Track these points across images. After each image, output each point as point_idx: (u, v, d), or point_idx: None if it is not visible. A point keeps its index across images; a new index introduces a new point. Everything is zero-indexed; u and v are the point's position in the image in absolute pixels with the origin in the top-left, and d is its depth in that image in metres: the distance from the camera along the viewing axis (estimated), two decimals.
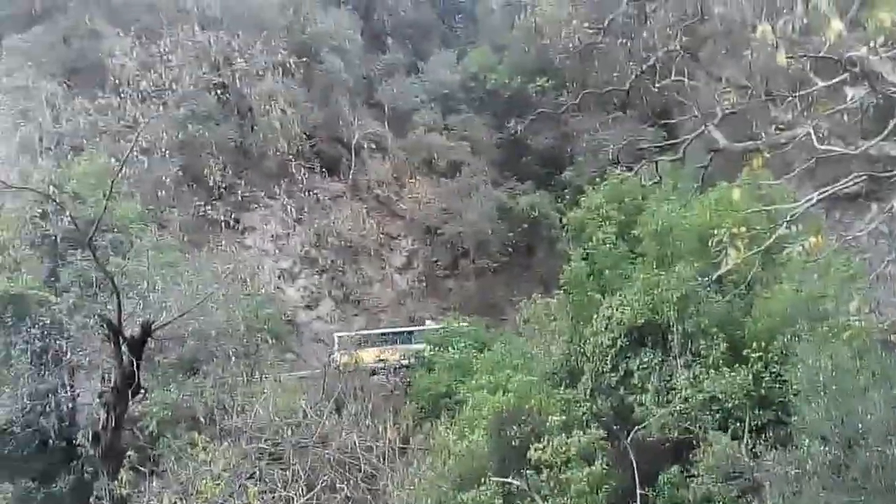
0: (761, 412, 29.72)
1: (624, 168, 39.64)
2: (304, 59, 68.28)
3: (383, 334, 58.68)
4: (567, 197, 62.14)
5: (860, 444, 23.52)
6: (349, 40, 74.05)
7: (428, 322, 60.39)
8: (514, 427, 31.46)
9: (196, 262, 45.17)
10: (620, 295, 34.68)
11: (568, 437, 30.05)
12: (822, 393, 24.74)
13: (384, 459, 31.09)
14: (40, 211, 41.14)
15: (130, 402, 28.82)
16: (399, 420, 36.67)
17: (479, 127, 74.81)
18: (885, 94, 20.74)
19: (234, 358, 39.08)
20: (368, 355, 51.84)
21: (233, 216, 64.11)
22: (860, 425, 23.62)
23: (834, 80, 20.04)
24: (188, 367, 40.04)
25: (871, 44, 17.78)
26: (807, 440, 24.57)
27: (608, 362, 33.57)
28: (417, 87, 76.39)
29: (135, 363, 26.03)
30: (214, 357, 39.43)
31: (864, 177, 21.44)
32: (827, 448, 23.94)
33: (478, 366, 42.58)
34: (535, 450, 29.77)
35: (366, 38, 78.22)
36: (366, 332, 59.24)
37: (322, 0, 77.93)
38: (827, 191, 21.69)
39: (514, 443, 31.17)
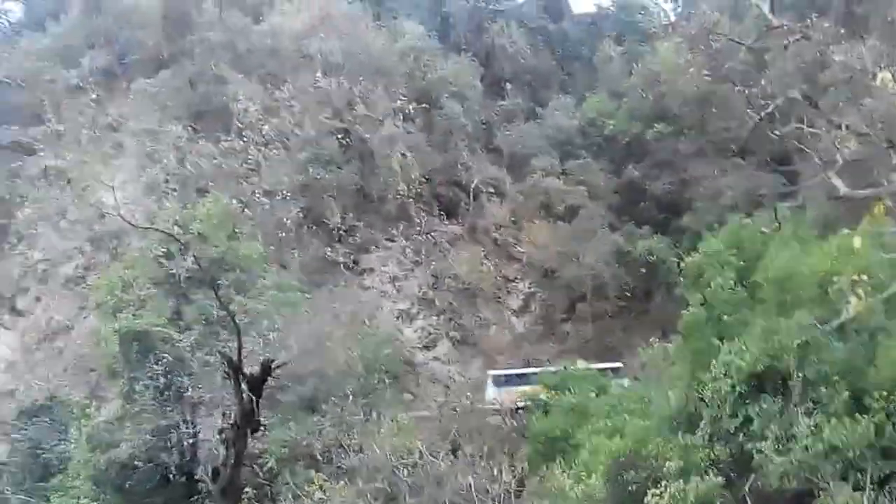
0: (884, 463, 28.99)
1: (743, 214, 39.45)
2: (424, 105, 70.30)
3: (535, 373, 58.15)
4: (685, 242, 61.46)
5: None
6: (469, 87, 75.57)
7: (579, 362, 59.61)
8: (632, 472, 31.30)
9: (316, 303, 46.11)
10: (739, 341, 34.31)
11: (686, 484, 29.68)
12: None
13: (500, 502, 31.33)
14: (165, 250, 42.16)
15: (250, 440, 29.73)
16: (515, 463, 36.74)
17: (596, 172, 74.88)
18: None
19: (352, 397, 39.64)
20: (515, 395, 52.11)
21: (352, 258, 65.87)
22: None
23: None
24: (307, 406, 40.42)
25: None
26: None
27: (727, 408, 33.10)
28: (536, 132, 77.11)
29: (254, 401, 26.93)
30: (333, 396, 39.92)
31: None
32: None
33: (595, 410, 42.49)
34: (653, 496, 29.43)
35: (485, 84, 79.59)
36: (521, 370, 58.87)
37: (443, 47, 79.81)
38: None
39: (631, 488, 30.92)
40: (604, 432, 36.46)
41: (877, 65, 28.45)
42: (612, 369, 54.50)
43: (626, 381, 50.14)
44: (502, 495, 31.11)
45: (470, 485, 31.10)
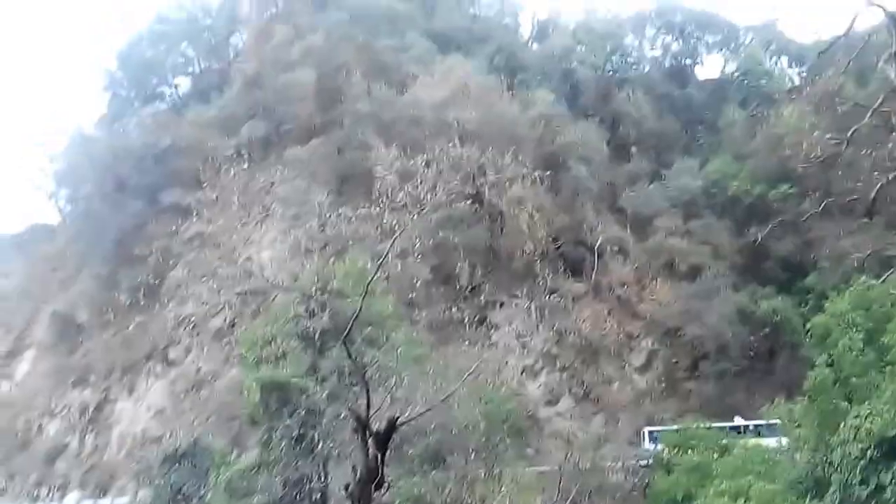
0: None
1: (870, 275, 37.45)
2: (550, 171, 70.17)
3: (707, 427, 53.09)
4: (810, 303, 58.98)
5: None
6: (595, 150, 75.21)
7: (737, 419, 56.36)
8: None
9: (442, 359, 45.67)
10: (869, 404, 32.31)
11: None
12: None
13: None
14: (304, 307, 42.72)
15: (374, 495, 29.20)
16: None
17: (719, 232, 73.07)
18: None
19: (474, 452, 38.89)
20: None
21: (478, 315, 65.60)
22: None
23: None
24: (431, 460, 39.66)
25: None
26: None
27: (857, 474, 31.10)
28: (660, 193, 75.80)
29: (379, 457, 26.48)
30: (456, 451, 39.28)
31: None
32: None
33: (718, 470, 40.67)
34: None
35: (611, 147, 79.09)
36: (675, 427, 55.42)
37: (572, 113, 79.79)
38: None
39: None
40: (727, 494, 34.85)
41: None
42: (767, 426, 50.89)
43: (782, 441, 46.18)
44: None
45: None
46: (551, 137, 74.24)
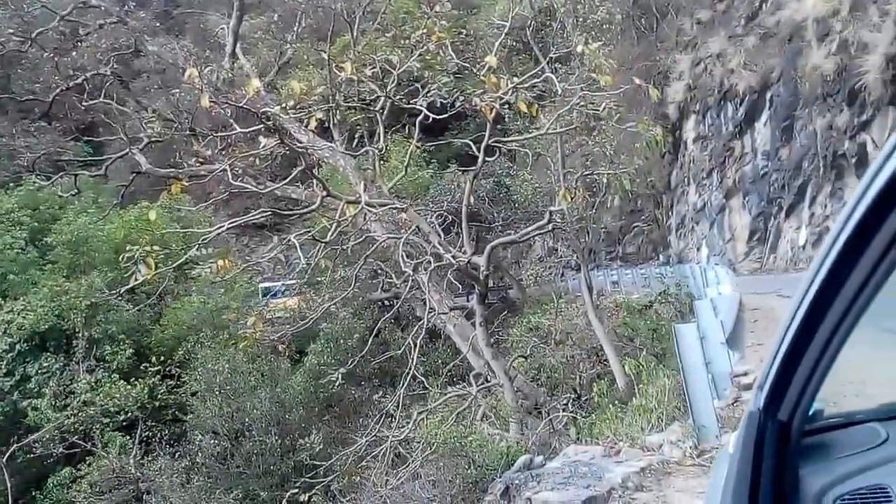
0: (159, 416, 29.29)
1: (42, 177, 36.51)
2: None
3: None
4: None
5: (246, 435, 24.55)
6: None
7: None
8: None
9: None
10: (24, 300, 31.63)
11: None
12: (217, 392, 25.39)
13: None
14: None
15: None
16: None
17: None
18: (292, 146, 22.20)
19: None
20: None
21: None
22: (247, 419, 24.70)
23: (251, 129, 20.98)
24: None
25: (284, 105, 19.07)
26: (199, 435, 24.88)
27: (3, 367, 30.27)
28: None
29: None
30: None
31: (269, 212, 22.56)
32: (216, 441, 24.51)
33: None
34: None
35: None
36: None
37: None
38: (237, 221, 22.41)
39: None
40: None
41: (187, 62, 28.61)
42: None
43: None
44: None
45: None
46: None
